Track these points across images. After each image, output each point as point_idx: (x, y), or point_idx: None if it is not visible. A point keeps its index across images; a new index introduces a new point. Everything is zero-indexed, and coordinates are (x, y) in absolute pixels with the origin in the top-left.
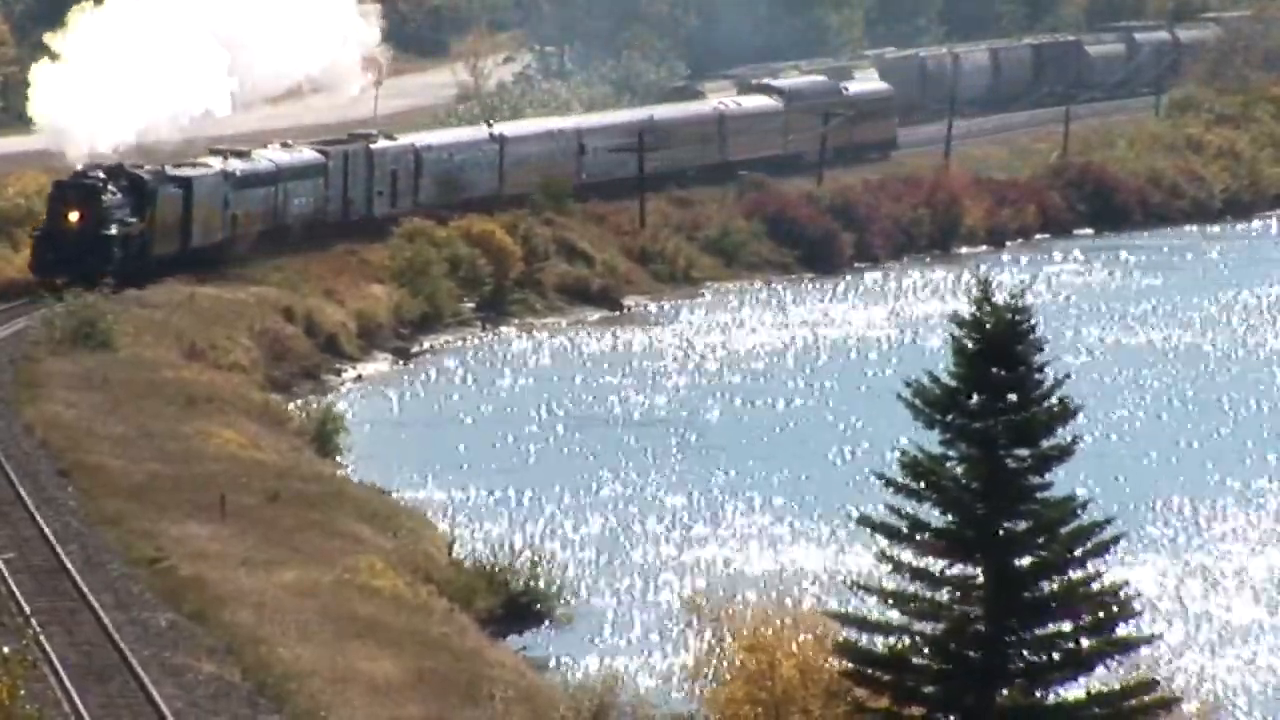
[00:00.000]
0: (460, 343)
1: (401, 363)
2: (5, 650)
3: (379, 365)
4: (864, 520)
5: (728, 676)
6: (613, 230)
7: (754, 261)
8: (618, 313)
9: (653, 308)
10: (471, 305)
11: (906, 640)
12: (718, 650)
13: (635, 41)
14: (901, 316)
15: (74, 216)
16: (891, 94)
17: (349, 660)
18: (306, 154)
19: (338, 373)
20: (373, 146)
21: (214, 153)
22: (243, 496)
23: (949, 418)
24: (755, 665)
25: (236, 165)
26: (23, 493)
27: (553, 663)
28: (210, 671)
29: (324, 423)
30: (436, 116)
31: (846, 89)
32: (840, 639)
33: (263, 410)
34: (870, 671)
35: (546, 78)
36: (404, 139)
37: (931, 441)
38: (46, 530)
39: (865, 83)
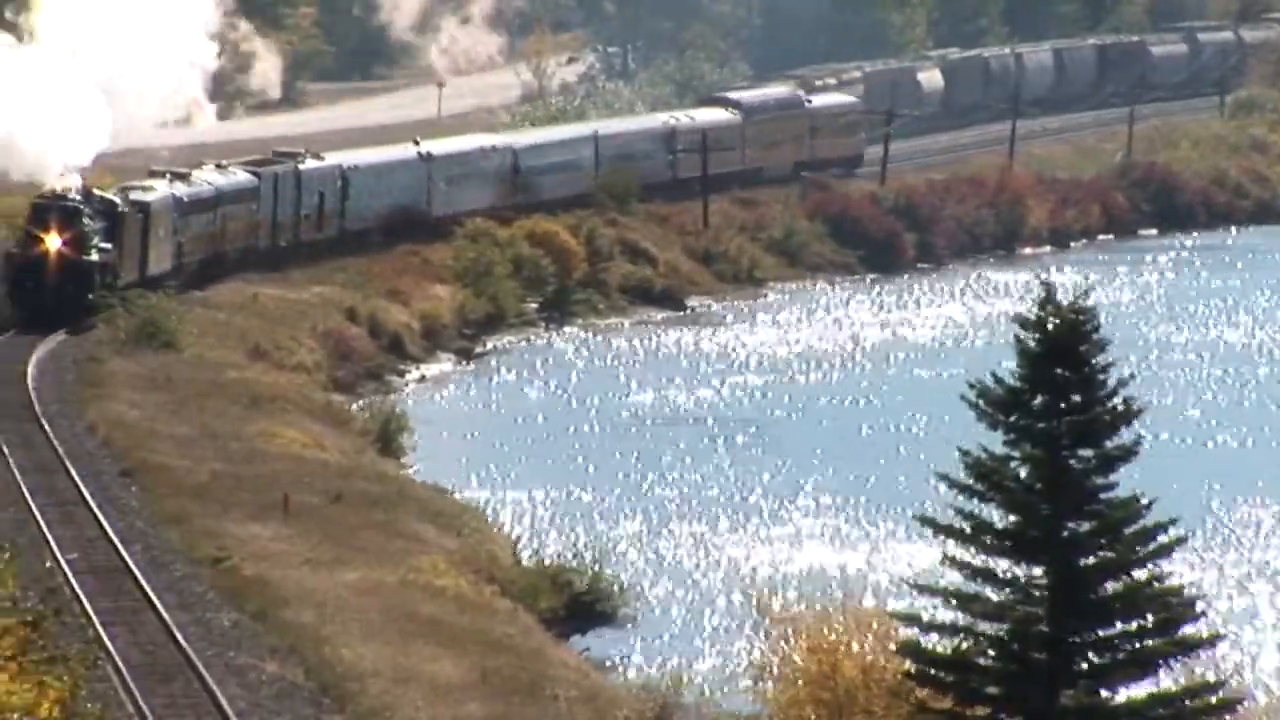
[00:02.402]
0: (524, 343)
1: (465, 363)
2: (68, 650)
3: (443, 366)
4: (927, 521)
5: (790, 677)
6: (676, 230)
7: (817, 262)
8: (681, 313)
9: (716, 308)
10: (535, 305)
11: (970, 641)
12: (780, 651)
13: (698, 41)
14: (965, 317)
15: (55, 242)
16: (859, 107)
17: (412, 660)
18: (240, 176)
19: (401, 373)
20: (301, 168)
21: (153, 174)
22: (306, 496)
23: (1013, 418)
24: (818, 666)
25: (182, 189)
26: (86, 493)
27: (615, 663)
28: (273, 671)
29: (387, 423)
30: (499, 117)
31: (810, 101)
32: (903, 640)
33: (326, 410)
34: (933, 672)
35: (609, 78)
36: (331, 159)
37: (995, 442)
38: (110, 530)
39: (830, 95)
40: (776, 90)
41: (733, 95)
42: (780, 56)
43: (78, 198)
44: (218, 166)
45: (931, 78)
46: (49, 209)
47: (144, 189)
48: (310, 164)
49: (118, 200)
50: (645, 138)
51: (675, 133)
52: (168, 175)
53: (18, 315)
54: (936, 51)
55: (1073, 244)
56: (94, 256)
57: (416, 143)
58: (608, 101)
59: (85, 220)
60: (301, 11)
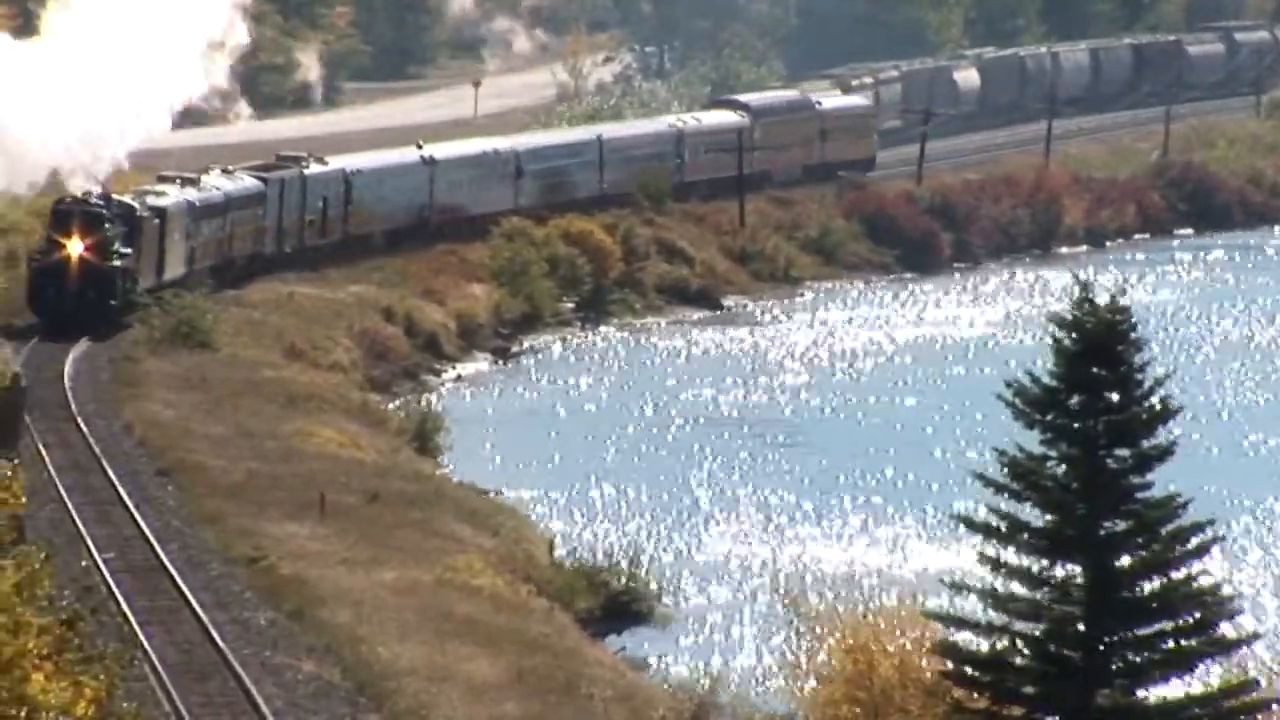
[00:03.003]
0: (560, 342)
1: (501, 362)
2: (104, 649)
3: (479, 365)
4: (964, 520)
5: (826, 677)
6: (712, 230)
7: (853, 261)
8: (717, 312)
9: (752, 307)
10: (571, 305)
11: (1006, 640)
12: (816, 650)
13: (734, 41)
14: (1001, 316)
15: (77, 247)
16: (871, 110)
17: (448, 659)
18: (248, 181)
19: (437, 373)
20: (306, 172)
21: (163, 179)
22: (342, 496)
23: (1049, 417)
24: (854, 666)
25: (193, 193)
26: (122, 492)
27: (651, 663)
28: (310, 670)
29: (423, 422)
30: (536, 117)
31: (820, 104)
32: (940, 639)
33: (362, 410)
34: (970, 672)
35: (646, 77)
36: (335, 162)
37: (1032, 441)
38: (146, 529)
39: (840, 98)
40: (786, 93)
41: (741, 98)
42: (817, 56)
43: (100, 202)
44: (224, 171)
45: (968, 77)
46: (71, 214)
47: (157, 194)
48: (315, 168)
49: (136, 205)
50: (651, 141)
51: (682, 136)
52: (178, 180)
53: (39, 321)
54: (973, 51)
55: (1109, 243)
56: (116, 262)
57: (419, 146)
58: (644, 101)
59: (107, 225)
60: (338, 11)
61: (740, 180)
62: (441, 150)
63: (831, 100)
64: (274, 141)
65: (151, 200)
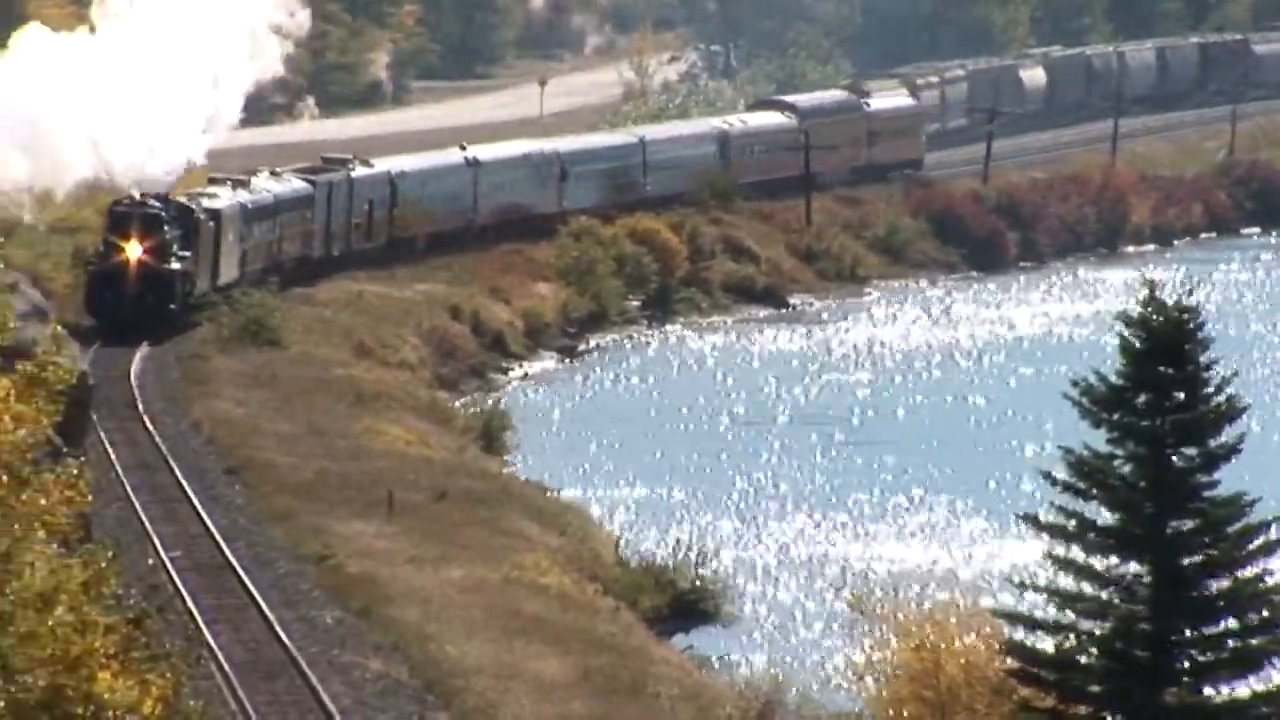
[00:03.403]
0: (626, 341)
1: (568, 361)
2: (170, 648)
3: (545, 364)
4: (1030, 519)
5: (893, 675)
6: (779, 228)
7: (920, 260)
8: (784, 311)
9: (819, 306)
10: (637, 304)
11: (1073, 639)
12: (882, 649)
13: (800, 40)
14: (1068, 315)
15: (136, 250)
16: (919, 110)
17: (516, 658)
18: (297, 183)
19: (504, 371)
20: (353, 175)
21: (214, 180)
22: (410, 494)
23: (1116, 416)
24: (920, 664)
25: (245, 196)
26: (189, 490)
27: (718, 661)
28: (377, 669)
29: (490, 421)
30: (603, 116)
31: (868, 104)
32: (1006, 638)
33: (430, 408)
34: (1036, 670)
35: (711, 76)
36: (380, 165)
37: (1099, 440)
38: (213, 528)
39: (889, 99)
40: (834, 93)
41: (788, 98)
42: (882, 55)
43: (158, 204)
44: (272, 173)
45: (1034, 76)
46: (130, 216)
47: (210, 195)
48: (361, 171)
49: (194, 207)
50: (696, 142)
51: (728, 137)
52: (229, 182)
53: (96, 326)
54: (1039, 50)
55: (1175, 242)
56: (175, 265)
57: (463, 147)
58: (709, 100)
59: (166, 228)
60: (406, 10)
61: (807, 178)
62: (485, 152)
63: (879, 101)
64: (339, 141)
65: (206, 202)
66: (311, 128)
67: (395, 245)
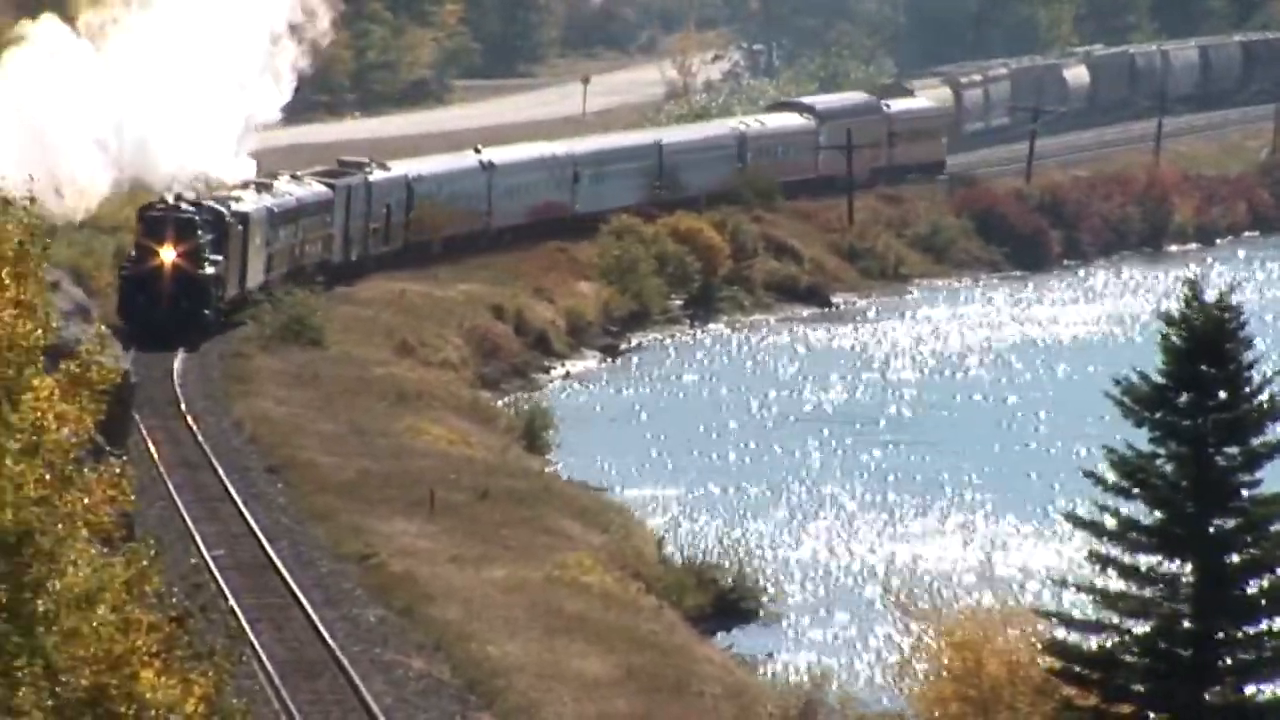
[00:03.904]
0: (669, 340)
1: (610, 360)
2: (213, 647)
3: (587, 363)
4: (1072, 518)
5: (935, 674)
6: (821, 227)
7: (963, 259)
8: (826, 310)
9: (861, 304)
10: (680, 302)
11: (1115, 638)
12: (924, 648)
13: (843, 39)
14: (1111, 314)
15: (170, 254)
16: (941, 113)
17: (558, 657)
18: (317, 187)
19: (547, 370)
20: (371, 179)
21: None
22: (452, 493)
23: (1158, 415)
24: (962, 663)
25: (269, 199)
26: (232, 489)
27: (760, 660)
28: (419, 668)
29: (533, 419)
30: (645, 114)
31: (888, 106)
32: (1048, 637)
33: (472, 407)
34: (1078, 669)
35: (754, 75)
36: (397, 169)
37: (1141, 439)
38: (255, 527)
39: (910, 101)
40: (853, 95)
41: (807, 100)
42: (926, 54)
43: (191, 208)
44: (293, 177)
45: (1077, 74)
46: (163, 220)
47: (235, 199)
48: (379, 174)
49: (224, 210)
50: (713, 144)
51: (745, 139)
52: (253, 185)
53: (129, 332)
54: (1082, 48)
55: (1218, 241)
56: (209, 270)
57: (477, 150)
58: (751, 99)
59: (199, 232)
60: (448, 9)
61: (850, 178)
62: (499, 155)
63: (900, 103)
64: (381, 141)
65: (235, 205)
66: (353, 127)
67: (412, 249)
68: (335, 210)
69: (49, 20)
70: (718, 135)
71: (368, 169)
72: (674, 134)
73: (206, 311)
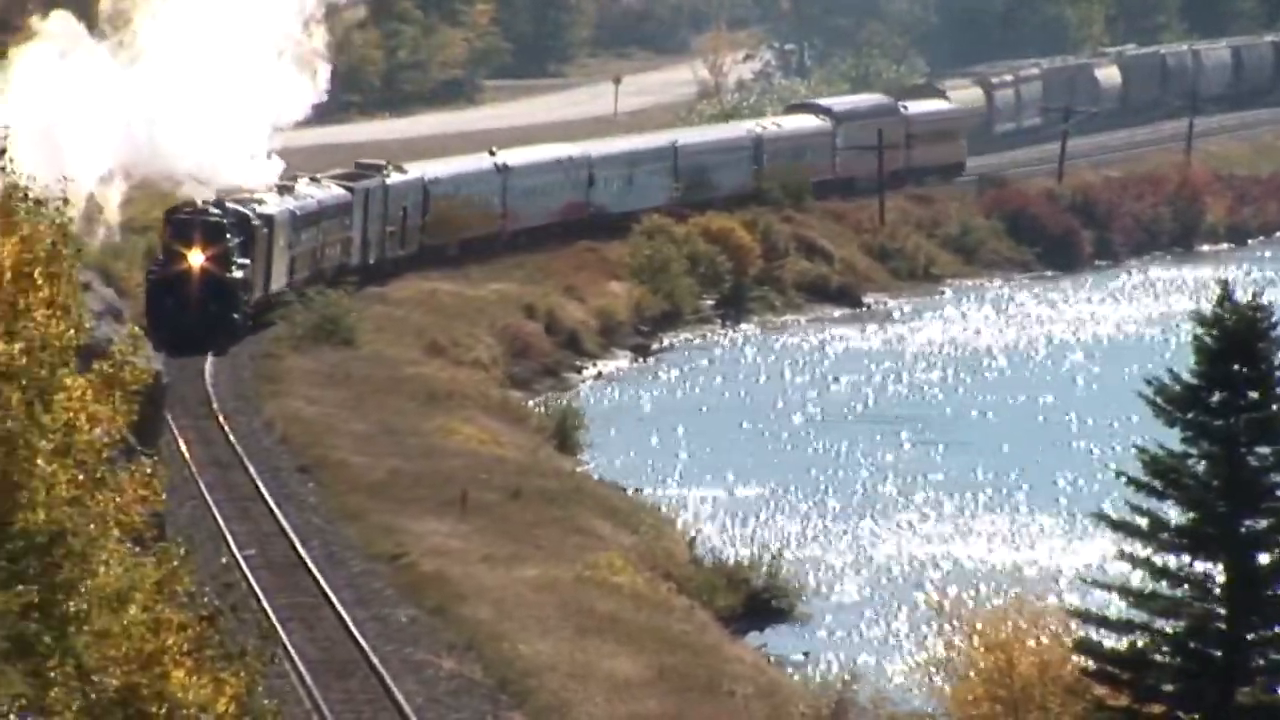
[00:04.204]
0: (700, 340)
1: (641, 360)
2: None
3: (619, 362)
4: (1104, 517)
5: (966, 674)
6: (852, 227)
7: (993, 259)
8: (857, 310)
9: (892, 304)
10: (711, 302)
11: (1146, 638)
12: (956, 647)
13: (874, 39)
14: (1142, 314)
15: (198, 258)
16: (959, 114)
17: (589, 656)
18: (336, 190)
19: (578, 370)
20: (389, 182)
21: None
22: (483, 493)
23: (1190, 415)
24: (994, 663)
25: (292, 202)
26: (263, 489)
27: (792, 660)
28: (451, 668)
29: (564, 419)
30: (677, 114)
31: (906, 108)
32: (1080, 637)
33: (503, 407)
34: (1110, 669)
35: (785, 75)
36: (414, 171)
37: (1173, 439)
38: (287, 526)
39: (929, 103)
40: (870, 97)
41: (823, 102)
42: (957, 54)
43: (219, 211)
44: (312, 179)
45: (1109, 75)
46: (191, 223)
47: (259, 201)
48: (396, 177)
49: (250, 213)
50: (728, 147)
51: (761, 141)
52: (275, 187)
53: (156, 336)
54: (1114, 48)
55: (1250, 241)
56: (237, 274)
57: (492, 153)
58: (783, 99)
59: (228, 235)
60: (479, 9)
61: (881, 178)
62: (514, 157)
63: (919, 104)
64: (410, 140)
65: (259, 208)
66: (383, 127)
67: (428, 252)
68: (354, 213)
69: (62, 16)
70: (734, 137)
71: (385, 171)
72: (690, 135)
73: (235, 315)
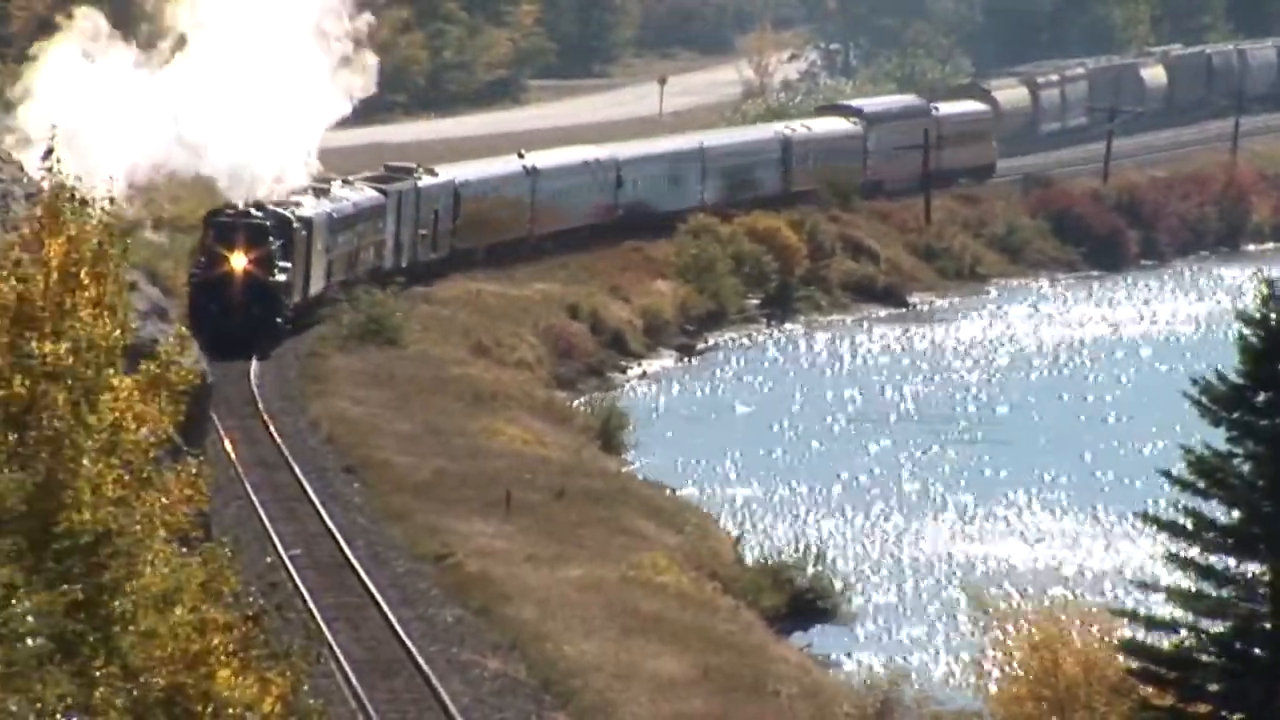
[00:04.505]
0: (745, 339)
1: (686, 360)
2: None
3: (664, 362)
4: (1149, 517)
5: (1011, 674)
6: (898, 227)
7: (1039, 259)
8: (903, 309)
9: (938, 304)
10: (756, 302)
11: (1191, 638)
12: (1001, 647)
13: (920, 38)
14: (1188, 313)
15: (241, 261)
16: (989, 115)
17: (634, 656)
18: (370, 192)
19: (623, 370)
20: (420, 185)
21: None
22: (528, 493)
23: (1235, 415)
24: (1039, 663)
25: (328, 204)
26: (309, 489)
27: (837, 660)
28: (495, 667)
29: (608, 419)
30: (722, 114)
31: (936, 109)
32: (1125, 637)
33: (548, 407)
34: (1155, 669)
35: (830, 75)
36: (444, 174)
37: (1218, 439)
38: (332, 526)
39: (960, 104)
40: (901, 98)
41: (854, 103)
42: (1003, 54)
43: (260, 213)
44: (345, 182)
45: (1155, 74)
46: (234, 226)
47: (296, 204)
48: (427, 180)
49: (290, 216)
50: (757, 149)
51: (790, 143)
52: (310, 190)
53: (199, 339)
54: (1159, 48)
55: None
56: (280, 277)
57: (521, 155)
58: (828, 99)
59: (270, 238)
60: (524, 9)
61: (926, 177)
62: (543, 160)
63: (949, 105)
64: (454, 140)
65: (298, 210)
66: (428, 127)
67: (458, 255)
68: (387, 216)
69: (88, 11)
70: (761, 140)
71: (416, 174)
72: (716, 138)
73: (278, 320)
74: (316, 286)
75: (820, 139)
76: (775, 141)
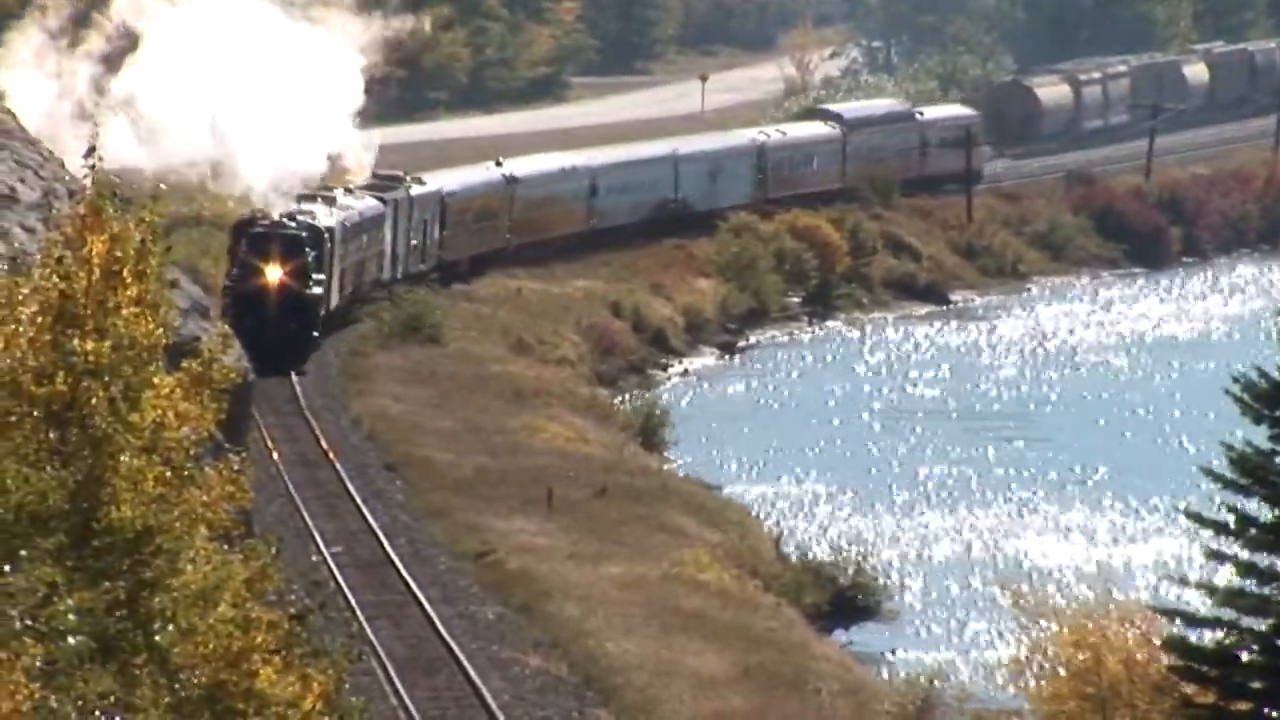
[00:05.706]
0: (786, 337)
1: (728, 357)
2: (332, 644)
3: (705, 360)
4: (1191, 515)
5: (1053, 671)
6: (939, 225)
7: (1081, 256)
8: (945, 307)
9: (979, 302)
10: (798, 300)
11: (1234, 636)
12: (1042, 645)
13: (961, 36)
14: (1230, 311)
15: (276, 273)
16: (976, 121)
17: (675, 654)
18: (370, 201)
19: (664, 367)
20: (413, 193)
21: (304, 197)
22: (569, 490)
23: (1277, 412)
24: (1081, 661)
25: (340, 213)
26: (350, 486)
27: (877, 657)
28: (537, 665)
29: (650, 417)
30: (764, 112)
31: (921, 114)
32: (1167, 634)
33: (589, 404)
34: (1197, 667)
35: (872, 72)
36: (431, 182)
37: (1260, 436)
38: (374, 524)
39: (943, 107)
40: (884, 102)
41: (834, 108)
42: (1044, 51)
43: (293, 224)
44: (346, 190)
45: (1196, 71)
46: (270, 237)
47: (309, 213)
48: (417, 189)
49: (320, 225)
50: (730, 154)
51: (764, 149)
52: (319, 198)
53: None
54: (1201, 45)
55: None
56: (316, 290)
57: (499, 163)
58: (869, 96)
59: (305, 249)
60: (565, 6)
61: (968, 175)
62: (521, 168)
63: (935, 110)
64: (499, 137)
65: (321, 219)
66: (468, 125)
67: (444, 268)
68: (385, 225)
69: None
70: (735, 146)
71: (406, 182)
72: (689, 144)
73: (315, 333)
74: (334, 300)
75: (796, 145)
76: (749, 148)
